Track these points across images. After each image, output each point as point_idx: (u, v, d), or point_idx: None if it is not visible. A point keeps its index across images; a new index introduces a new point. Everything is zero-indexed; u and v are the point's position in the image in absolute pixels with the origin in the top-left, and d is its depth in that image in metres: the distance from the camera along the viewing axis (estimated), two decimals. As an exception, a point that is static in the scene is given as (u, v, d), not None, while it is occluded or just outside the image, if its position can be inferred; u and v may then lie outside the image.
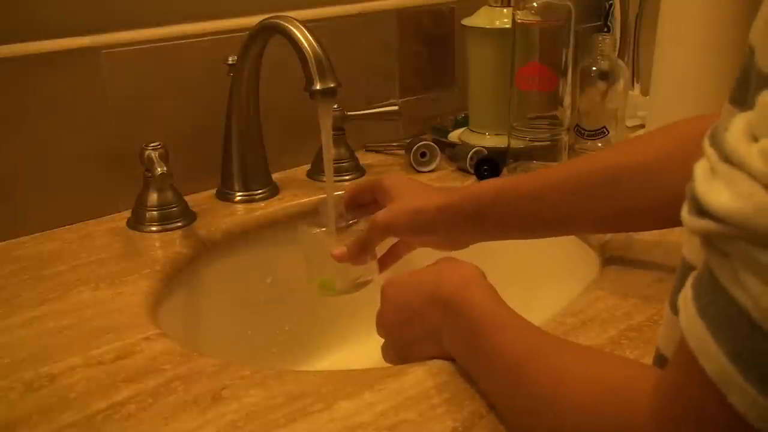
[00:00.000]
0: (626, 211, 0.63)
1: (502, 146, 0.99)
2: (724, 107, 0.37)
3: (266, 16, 0.82)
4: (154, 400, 0.53)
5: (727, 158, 0.30)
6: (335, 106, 0.94)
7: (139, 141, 0.83)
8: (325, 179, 0.82)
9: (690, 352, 0.31)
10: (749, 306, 0.29)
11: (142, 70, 0.87)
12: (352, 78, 1.03)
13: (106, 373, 0.57)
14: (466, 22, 1.04)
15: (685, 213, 0.31)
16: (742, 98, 0.35)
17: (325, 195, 0.76)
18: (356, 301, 0.77)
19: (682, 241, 0.40)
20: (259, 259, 0.88)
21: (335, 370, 0.59)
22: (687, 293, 0.32)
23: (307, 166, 1.02)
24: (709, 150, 0.31)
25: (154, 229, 0.83)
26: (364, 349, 0.68)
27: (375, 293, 0.64)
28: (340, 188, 0.77)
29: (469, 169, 0.99)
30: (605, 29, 1.24)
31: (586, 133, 1.05)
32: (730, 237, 0.29)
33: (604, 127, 1.05)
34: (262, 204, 0.91)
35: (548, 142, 0.96)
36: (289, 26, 0.77)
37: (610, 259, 0.74)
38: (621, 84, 1.04)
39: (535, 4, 0.92)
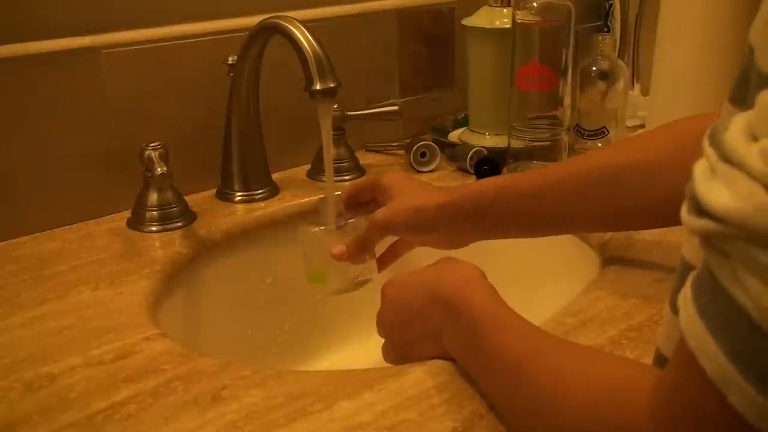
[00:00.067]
0: (626, 209, 0.63)
1: (502, 146, 0.99)
2: (724, 107, 0.37)
3: (266, 16, 0.82)
4: (154, 400, 0.53)
5: (727, 158, 0.30)
6: (335, 106, 0.94)
7: (139, 141, 0.83)
8: (325, 179, 0.82)
9: (690, 351, 0.31)
10: (749, 306, 0.29)
11: (142, 70, 0.87)
12: (352, 78, 1.03)
13: (106, 373, 0.57)
14: (466, 22, 1.04)
15: (684, 212, 0.31)
16: (741, 98, 0.35)
17: (325, 194, 0.76)
18: (356, 301, 0.77)
19: (682, 240, 0.40)
20: (259, 259, 0.88)
21: (335, 370, 0.59)
22: (686, 293, 0.32)
23: (307, 166, 1.02)
24: (708, 150, 0.31)
25: (154, 229, 0.83)
26: (364, 349, 0.68)
27: (375, 293, 0.64)
28: (340, 188, 0.77)
29: (469, 169, 0.99)
30: (605, 29, 1.24)
31: (586, 133, 1.05)
32: (730, 237, 0.29)
33: (604, 127, 1.05)
34: (262, 204, 0.91)
35: (548, 142, 0.96)
36: (289, 26, 0.77)
37: (610, 259, 0.74)
38: (621, 84, 1.04)
39: (535, 4, 0.92)
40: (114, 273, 0.74)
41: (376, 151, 1.10)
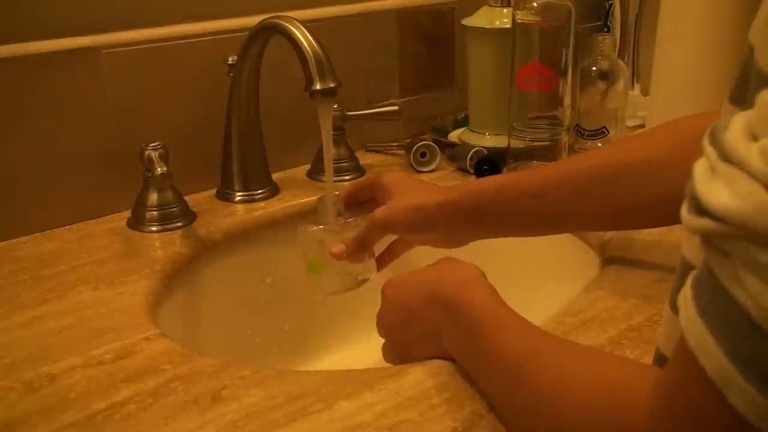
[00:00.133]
0: (626, 208, 0.63)
1: (502, 146, 0.99)
2: (724, 106, 0.37)
3: (266, 16, 0.82)
4: (154, 400, 0.53)
5: (727, 157, 0.30)
6: (335, 106, 0.94)
7: (139, 141, 0.83)
8: (325, 179, 0.82)
9: (690, 351, 0.31)
10: (749, 305, 0.29)
11: (142, 70, 0.87)
12: (352, 78, 1.03)
13: (106, 373, 0.57)
14: (466, 22, 1.04)
15: (684, 212, 0.31)
16: (741, 97, 0.35)
17: (324, 193, 0.76)
18: (356, 301, 0.77)
19: (682, 240, 0.40)
20: (259, 259, 0.88)
21: (335, 370, 0.59)
22: (687, 292, 0.32)
23: (307, 166, 1.02)
24: (708, 149, 0.31)
25: (154, 229, 0.83)
26: (364, 349, 0.68)
27: (375, 293, 0.64)
28: (340, 188, 0.77)
29: (469, 169, 0.99)
30: (605, 29, 1.24)
31: (586, 133, 1.05)
32: (730, 236, 0.29)
33: (604, 127, 1.05)
34: (262, 204, 0.91)
35: (548, 142, 0.96)
36: (289, 26, 0.77)
37: (610, 259, 0.74)
38: (621, 84, 1.04)
39: (535, 4, 0.92)
40: (114, 273, 0.74)
41: (376, 151, 1.10)
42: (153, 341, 0.61)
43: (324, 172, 0.80)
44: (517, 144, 0.97)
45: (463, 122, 1.11)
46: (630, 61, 1.21)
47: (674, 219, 0.35)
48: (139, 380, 0.56)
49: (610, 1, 1.23)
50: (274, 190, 0.94)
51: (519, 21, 0.93)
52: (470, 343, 0.52)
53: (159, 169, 0.80)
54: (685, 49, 0.95)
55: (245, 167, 0.92)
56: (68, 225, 0.85)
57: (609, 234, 0.77)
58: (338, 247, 0.72)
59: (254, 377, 0.56)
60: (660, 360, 0.42)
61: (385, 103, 1.09)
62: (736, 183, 0.29)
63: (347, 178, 0.99)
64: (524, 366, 0.46)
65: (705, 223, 0.30)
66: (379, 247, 0.76)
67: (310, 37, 0.75)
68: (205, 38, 0.91)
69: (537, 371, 0.45)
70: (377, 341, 0.64)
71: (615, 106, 1.04)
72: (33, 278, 0.73)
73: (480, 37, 1.03)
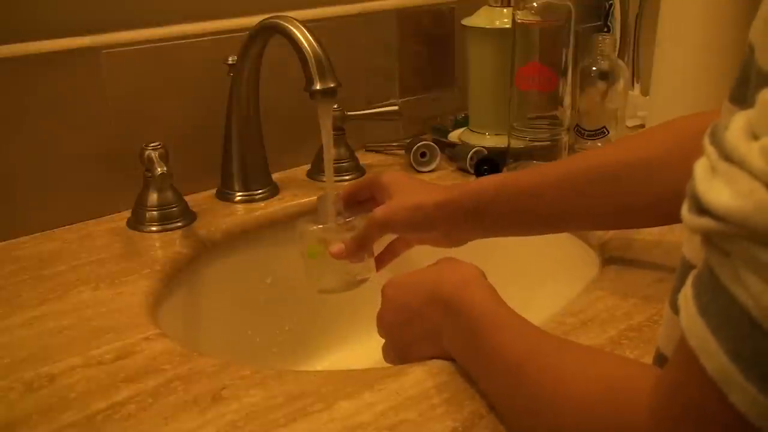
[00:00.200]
0: (626, 207, 0.63)
1: (502, 146, 0.99)
2: (724, 106, 0.37)
3: (266, 16, 0.82)
4: (154, 400, 0.53)
5: (728, 156, 0.30)
6: (335, 106, 0.94)
7: (139, 141, 0.83)
8: (325, 179, 0.82)
9: (690, 350, 0.31)
10: (750, 305, 0.29)
11: (142, 70, 0.87)
12: (352, 78, 1.03)
13: (106, 373, 0.57)
14: (466, 22, 1.04)
15: (685, 211, 0.31)
16: (742, 96, 0.35)
17: (324, 193, 0.76)
18: (356, 301, 0.77)
19: (683, 240, 0.40)
20: (259, 259, 0.88)
21: (335, 370, 0.59)
22: (687, 292, 0.32)
23: (307, 166, 1.02)
24: (709, 148, 0.31)
25: (154, 229, 0.83)
26: (364, 349, 0.68)
27: (375, 293, 0.64)
28: (340, 188, 0.77)
29: (469, 169, 0.99)
30: (605, 29, 1.24)
31: (586, 133, 1.05)
32: (731, 235, 0.29)
33: (604, 127, 1.05)
34: (262, 204, 0.91)
35: (548, 142, 0.96)
36: (289, 26, 0.77)
37: (609, 259, 0.74)
38: (621, 84, 1.04)
39: (535, 4, 0.92)
40: (114, 273, 0.74)
41: (376, 151, 1.10)
42: (153, 341, 0.61)
43: (324, 172, 0.80)
44: (517, 144, 0.97)
45: (463, 122, 1.11)
46: (630, 61, 1.21)
47: (674, 218, 0.35)
48: (139, 380, 0.56)
49: (610, 1, 1.24)
50: (274, 190, 0.94)
51: (519, 21, 0.93)
52: (470, 343, 0.52)
53: (159, 169, 0.80)
54: (685, 49, 0.95)
55: (245, 167, 0.92)
56: (68, 225, 0.85)
57: (609, 234, 0.77)
58: (337, 247, 0.72)
59: (254, 377, 0.56)
60: (660, 360, 0.42)
61: (385, 103, 1.09)
62: (737, 182, 0.29)
63: (347, 178, 0.99)
64: (524, 366, 0.46)
65: (706, 222, 0.30)
66: (379, 247, 0.76)
67: (310, 37, 0.75)
68: (205, 38, 0.91)
69: (537, 371, 0.45)
70: (377, 341, 0.64)
71: (615, 106, 1.04)
72: (33, 278, 0.73)
73: (480, 37, 1.03)
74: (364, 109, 1.03)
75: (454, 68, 1.19)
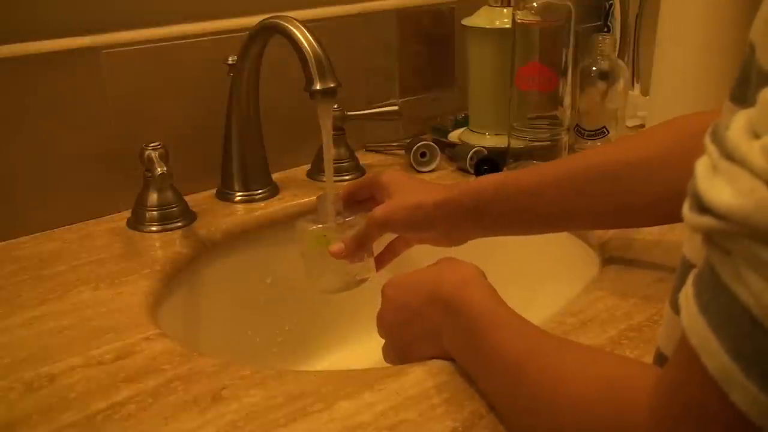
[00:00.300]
0: (625, 206, 0.63)
1: (502, 146, 0.99)
2: (725, 105, 0.37)
3: (266, 16, 0.82)
4: (154, 400, 0.53)
5: (729, 155, 0.30)
6: (335, 106, 0.94)
7: (139, 141, 0.83)
8: (325, 179, 0.82)
9: (691, 349, 0.31)
10: (750, 303, 0.29)
11: (142, 70, 0.87)
12: (352, 78, 1.03)
13: (106, 373, 0.57)
14: (466, 22, 1.04)
15: (686, 210, 0.31)
16: (742, 96, 0.35)
17: (324, 192, 0.76)
18: (356, 301, 0.77)
19: (683, 239, 0.40)
20: (259, 259, 0.88)
21: (335, 370, 0.59)
22: (688, 290, 0.32)
23: (307, 166, 1.02)
24: (710, 147, 0.31)
25: (154, 229, 0.83)
26: (364, 349, 0.68)
27: (375, 293, 0.64)
28: (340, 188, 0.77)
29: (469, 169, 0.99)
30: (605, 29, 1.24)
31: (586, 133, 1.05)
32: (732, 234, 0.29)
33: (604, 127, 1.05)
34: (262, 204, 0.91)
35: (548, 142, 0.96)
36: (289, 26, 0.77)
37: (609, 259, 0.74)
38: (621, 84, 1.04)
39: (535, 4, 0.92)
40: (114, 273, 0.73)
41: (376, 151, 1.10)
42: (153, 341, 0.61)
43: (324, 172, 0.80)
44: (517, 144, 0.97)
45: (463, 122, 1.11)
46: (630, 61, 1.21)
47: (674, 218, 0.35)
48: (139, 380, 0.56)
49: (610, 1, 1.23)
50: (274, 190, 0.94)
51: (519, 21, 0.93)
52: (470, 343, 0.52)
53: (159, 169, 0.80)
54: (685, 49, 0.95)
55: (245, 167, 0.92)
56: (68, 225, 0.85)
57: (609, 234, 0.77)
58: (337, 246, 0.72)
59: (254, 377, 0.56)
60: (660, 360, 0.42)
61: (385, 103, 1.09)
62: (738, 181, 0.29)
63: (347, 178, 0.99)
64: (524, 365, 0.46)
65: (707, 221, 0.30)
66: (378, 247, 0.75)
67: (310, 37, 0.75)
68: (205, 38, 0.91)
69: (537, 370, 0.45)
70: (377, 341, 0.64)
71: (615, 106, 1.04)
72: (33, 278, 0.73)
73: (480, 37, 1.03)
74: (364, 109, 1.03)
75: (454, 68, 1.19)
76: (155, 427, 0.51)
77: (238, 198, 0.92)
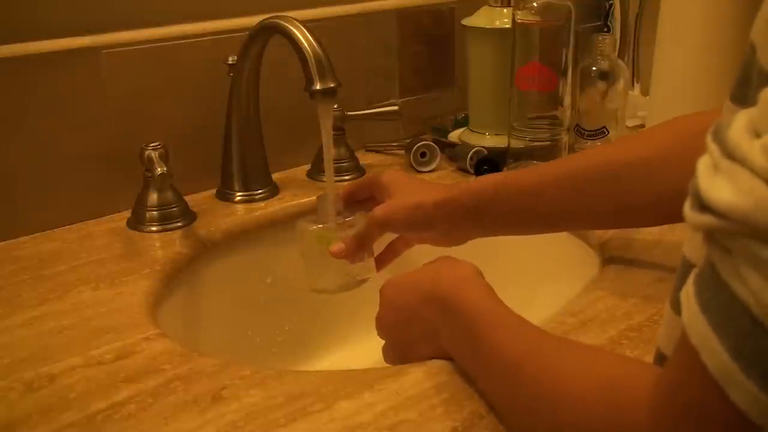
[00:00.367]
0: (625, 206, 0.63)
1: (502, 146, 0.99)
2: (725, 105, 0.37)
3: (266, 16, 0.82)
4: (154, 400, 0.53)
5: (730, 154, 0.30)
6: (335, 106, 0.94)
7: (139, 141, 0.83)
8: (325, 179, 0.82)
9: (691, 348, 0.31)
10: (751, 302, 0.29)
11: (142, 70, 0.87)
12: (352, 78, 1.03)
13: (106, 373, 0.57)
14: (466, 22, 1.04)
15: (687, 209, 0.31)
16: (743, 96, 0.35)
17: (324, 192, 0.76)
18: (356, 301, 0.77)
19: (683, 240, 0.40)
20: (259, 259, 0.88)
21: (335, 370, 0.59)
22: (689, 289, 0.32)
23: (307, 166, 1.02)
24: (712, 146, 0.31)
25: (154, 229, 0.83)
26: (364, 349, 0.68)
27: (375, 293, 0.64)
28: (340, 188, 0.77)
29: (469, 169, 0.99)
30: (605, 29, 1.24)
31: (586, 133, 1.05)
32: (732, 232, 0.29)
33: (604, 127, 1.05)
34: (262, 204, 0.91)
35: (548, 142, 0.96)
36: (289, 26, 0.77)
37: (609, 259, 0.74)
38: (621, 84, 1.04)
39: (535, 4, 0.92)
40: (114, 273, 0.73)
41: (376, 151, 1.10)
42: (153, 341, 0.61)
43: (324, 172, 0.80)
44: (517, 144, 0.97)
45: (463, 122, 1.11)
46: (630, 61, 1.21)
47: (674, 218, 0.35)
48: (139, 380, 0.56)
49: (610, 1, 1.23)
50: (274, 190, 0.94)
51: (519, 21, 0.93)
52: (468, 343, 0.52)
53: (159, 169, 0.80)
54: (685, 49, 0.95)
55: (245, 167, 0.92)
56: (68, 225, 0.85)
57: (609, 234, 0.77)
58: (338, 246, 0.71)
59: (254, 377, 0.56)
60: (660, 360, 0.42)
61: (385, 103, 1.09)
62: (739, 180, 0.29)
63: (347, 178, 0.99)
64: (523, 365, 0.46)
65: (707, 219, 0.30)
66: (379, 247, 0.75)
67: (310, 37, 0.75)
68: (205, 38, 0.91)
69: (536, 370, 0.45)
70: (377, 341, 0.64)
71: (615, 106, 1.04)
72: (33, 278, 0.73)
73: (480, 37, 1.03)
74: (364, 109, 1.03)
75: (454, 68, 1.19)
76: (155, 427, 0.51)
77: (238, 198, 0.92)
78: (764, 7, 0.32)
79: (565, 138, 0.97)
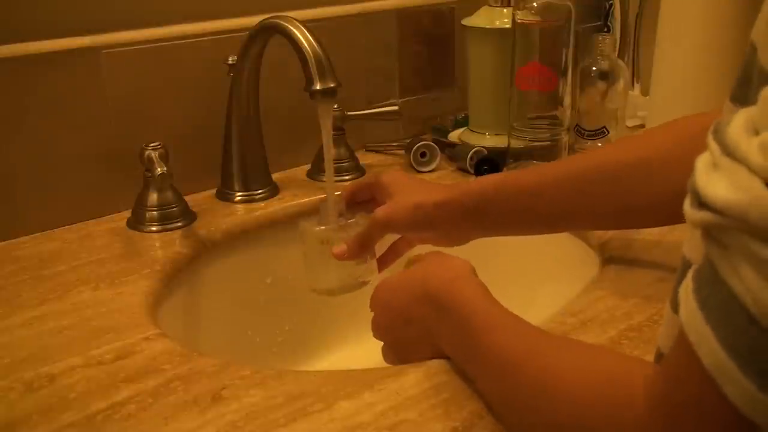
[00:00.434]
0: (625, 207, 0.63)
1: (502, 146, 0.99)
2: (726, 105, 0.37)
3: (266, 16, 0.82)
4: (154, 400, 0.53)
5: (729, 152, 0.30)
6: (335, 106, 0.94)
7: (139, 141, 0.83)
8: (325, 179, 0.82)
9: (689, 344, 0.31)
10: (747, 299, 0.29)
11: (142, 70, 0.87)
12: (352, 78, 1.03)
13: (106, 373, 0.57)
14: (466, 22, 1.04)
15: (686, 206, 0.32)
16: (743, 96, 0.35)
17: (326, 194, 0.76)
18: (356, 301, 0.77)
19: (683, 240, 0.40)
20: (259, 259, 0.88)
21: (335, 370, 0.59)
22: (688, 286, 0.33)
23: (307, 166, 1.02)
24: (712, 144, 0.32)
25: (154, 229, 0.83)
26: (364, 349, 0.68)
27: (375, 293, 0.64)
28: (340, 188, 0.77)
29: (469, 169, 0.99)
30: (605, 29, 1.24)
31: (586, 133, 1.05)
32: (729, 229, 0.29)
33: (604, 127, 1.05)
34: (262, 204, 0.91)
35: (548, 142, 0.96)
36: (289, 26, 0.77)
37: (609, 259, 0.74)
38: (621, 84, 1.04)
39: (535, 4, 0.92)
40: (114, 273, 0.73)
41: (376, 151, 1.10)
42: (153, 341, 0.61)
43: (324, 172, 0.81)
44: (517, 144, 0.97)
45: (463, 122, 1.11)
46: (630, 61, 1.21)
47: (673, 219, 0.35)
48: (139, 380, 0.56)
49: (610, 1, 1.23)
50: (274, 190, 0.94)
51: (519, 21, 0.93)
52: (464, 342, 0.52)
53: (159, 169, 0.80)
54: (685, 49, 0.95)
55: (245, 167, 0.92)
56: (68, 225, 0.85)
57: (609, 234, 0.77)
58: (340, 247, 0.71)
59: (254, 377, 0.56)
60: (660, 359, 0.42)
61: (385, 103, 1.09)
62: (736, 177, 0.29)
63: (347, 178, 0.99)
64: (521, 364, 0.46)
65: (705, 215, 0.30)
66: (381, 249, 0.75)
67: (310, 37, 0.75)
68: (205, 38, 0.91)
69: (534, 369, 0.45)
70: (377, 341, 0.64)
71: (615, 106, 1.04)
72: (33, 278, 0.73)
73: (480, 37, 1.03)
74: (364, 109, 1.03)
75: (454, 68, 1.19)
76: (155, 427, 0.51)
77: (238, 198, 0.92)
78: (765, 7, 0.32)
79: (565, 138, 0.97)
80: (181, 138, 0.90)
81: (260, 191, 0.93)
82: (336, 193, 0.75)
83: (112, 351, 0.60)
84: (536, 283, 0.87)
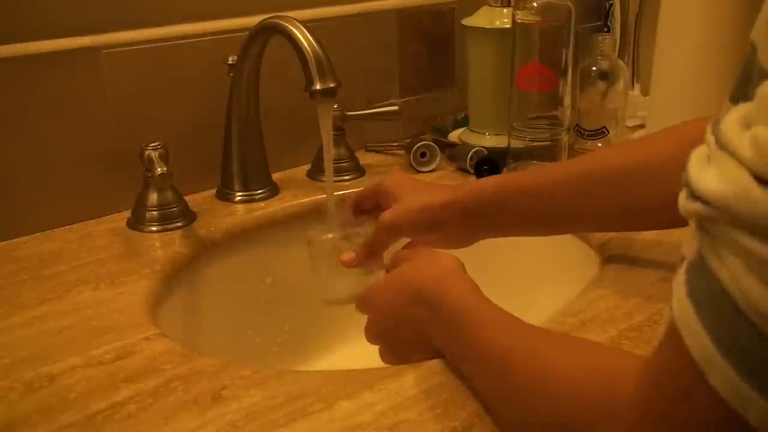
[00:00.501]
0: (626, 210, 0.63)
1: (502, 146, 0.99)
2: (725, 105, 0.37)
3: (266, 16, 0.82)
4: (154, 400, 0.53)
5: (723, 145, 0.30)
6: (335, 106, 0.94)
7: (139, 141, 0.83)
8: (325, 179, 0.82)
9: (678, 335, 0.31)
10: (732, 289, 0.29)
11: (142, 70, 0.87)
12: (352, 78, 1.03)
13: (106, 373, 0.57)
14: (466, 22, 1.04)
15: (681, 198, 0.32)
16: (743, 96, 0.35)
17: (327, 198, 0.76)
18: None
19: (683, 240, 0.40)
20: (259, 259, 0.88)
21: (335, 370, 0.59)
22: (680, 277, 0.33)
23: (307, 166, 1.02)
24: (710, 137, 0.32)
25: (154, 229, 0.83)
26: (364, 349, 0.68)
27: (375, 293, 0.64)
28: (340, 188, 0.77)
29: (469, 169, 0.99)
30: (605, 29, 1.24)
31: (586, 133, 1.05)
32: (718, 220, 0.29)
33: (604, 127, 1.05)
34: (262, 204, 0.91)
35: (548, 142, 0.96)
36: (289, 26, 0.77)
37: (610, 259, 0.74)
38: (621, 84, 1.04)
39: (535, 4, 0.92)
40: (114, 273, 0.73)
41: (376, 151, 1.10)
42: (153, 341, 0.61)
43: (324, 172, 0.80)
44: (517, 144, 0.97)
45: (463, 122, 1.11)
46: (630, 61, 1.21)
47: (674, 223, 0.35)
48: (139, 380, 0.56)
49: (610, 1, 1.23)
50: (274, 190, 0.94)
51: (519, 21, 0.93)
52: (457, 340, 0.52)
53: (159, 169, 0.80)
54: (685, 49, 0.95)
55: (245, 167, 0.92)
56: (68, 225, 0.85)
57: (609, 233, 0.77)
58: (348, 255, 0.71)
59: (254, 377, 0.56)
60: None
61: (385, 103, 1.09)
62: (726, 169, 0.30)
63: (347, 178, 0.99)
64: (513, 360, 0.46)
65: (696, 206, 0.31)
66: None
67: (310, 37, 0.75)
68: (205, 38, 0.91)
69: (526, 364, 0.45)
70: (377, 341, 0.64)
71: (615, 106, 1.04)
72: (33, 278, 0.73)
73: (480, 37, 1.03)
74: (364, 109, 1.03)
75: (454, 68, 1.19)
76: (155, 427, 0.51)
77: (238, 198, 0.92)
78: (765, 7, 0.32)
79: (565, 138, 0.97)
80: (181, 138, 0.90)
81: (260, 191, 0.93)
82: (337, 197, 0.74)
83: (112, 351, 0.60)
84: (536, 283, 0.87)
